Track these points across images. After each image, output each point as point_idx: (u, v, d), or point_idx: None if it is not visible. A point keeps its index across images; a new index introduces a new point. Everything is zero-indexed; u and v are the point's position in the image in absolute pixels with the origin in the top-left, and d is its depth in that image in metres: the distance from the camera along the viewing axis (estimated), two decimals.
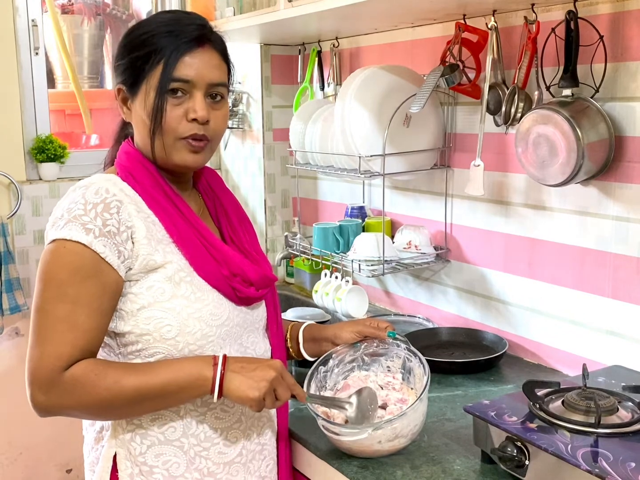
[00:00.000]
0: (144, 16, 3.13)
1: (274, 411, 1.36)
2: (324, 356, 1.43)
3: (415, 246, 2.00)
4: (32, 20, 2.48)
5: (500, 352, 1.74)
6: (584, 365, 1.31)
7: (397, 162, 1.92)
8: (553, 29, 1.57)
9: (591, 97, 1.53)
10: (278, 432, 1.38)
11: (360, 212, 2.28)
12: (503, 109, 1.67)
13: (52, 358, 1.11)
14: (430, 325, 2.04)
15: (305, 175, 2.56)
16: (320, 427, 1.32)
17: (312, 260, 2.32)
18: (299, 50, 2.47)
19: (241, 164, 2.76)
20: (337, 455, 1.33)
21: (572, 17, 1.51)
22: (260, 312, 1.36)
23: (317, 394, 1.38)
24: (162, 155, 1.24)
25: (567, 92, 1.53)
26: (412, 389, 1.40)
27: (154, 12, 2.46)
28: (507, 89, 1.68)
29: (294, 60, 2.57)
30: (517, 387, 1.55)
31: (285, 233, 2.42)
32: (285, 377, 1.20)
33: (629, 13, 1.49)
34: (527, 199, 1.76)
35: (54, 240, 1.15)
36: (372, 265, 1.95)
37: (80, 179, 1.25)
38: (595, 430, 1.15)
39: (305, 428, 1.43)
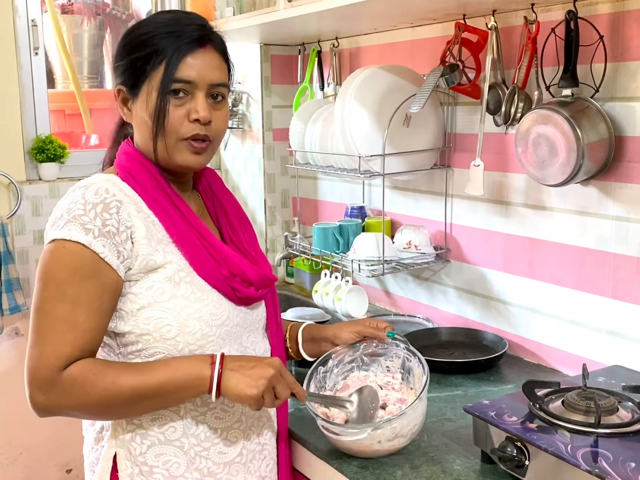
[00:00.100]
0: (143, 16, 3.13)
1: (273, 411, 1.36)
2: (323, 356, 1.43)
3: (415, 246, 2.00)
4: (32, 20, 2.48)
5: (500, 352, 1.74)
6: (584, 365, 1.31)
7: (397, 162, 1.92)
8: (553, 29, 1.57)
9: (591, 97, 1.53)
10: (278, 432, 1.37)
11: (360, 212, 2.28)
12: (503, 109, 1.67)
13: (52, 358, 1.11)
14: (430, 325, 2.04)
15: (305, 175, 2.56)
16: (319, 427, 1.32)
17: (312, 260, 2.32)
18: (299, 50, 2.47)
19: (241, 164, 2.76)
20: (337, 455, 1.33)
21: (572, 17, 1.51)
22: (260, 312, 1.36)
23: (317, 392, 1.38)
24: (165, 157, 1.24)
25: (567, 92, 1.53)
26: (411, 389, 1.40)
27: (153, 12, 2.46)
28: (507, 89, 1.68)
29: (293, 60, 2.57)
30: (517, 387, 1.55)
31: (285, 233, 2.42)
32: (284, 375, 1.20)
33: (629, 13, 1.49)
34: (527, 199, 1.76)
35: (53, 240, 1.15)
36: (372, 265, 1.95)
37: (80, 179, 1.25)
38: (595, 430, 1.14)
39: (305, 428, 1.43)
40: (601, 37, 1.50)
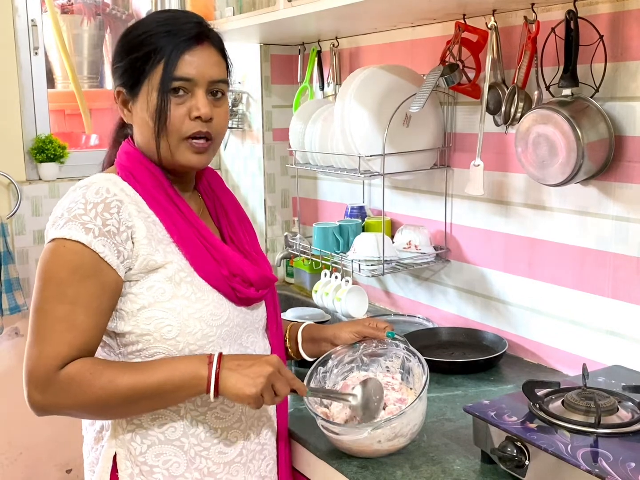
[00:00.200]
0: (143, 16, 3.12)
1: (273, 411, 1.36)
2: (322, 357, 1.43)
3: (415, 246, 2.00)
4: (32, 20, 2.48)
5: (500, 352, 1.74)
6: (584, 365, 1.31)
7: (397, 162, 1.92)
8: (553, 29, 1.57)
9: (591, 97, 1.53)
10: (278, 432, 1.37)
11: (360, 212, 2.28)
12: (503, 108, 1.67)
13: (50, 358, 1.11)
14: (430, 325, 2.04)
15: (305, 175, 2.56)
16: (319, 426, 1.32)
17: (312, 260, 2.32)
18: (299, 50, 2.47)
19: (241, 164, 2.76)
20: (337, 455, 1.33)
21: (572, 17, 1.51)
22: (260, 312, 1.36)
23: (319, 387, 1.38)
24: (167, 156, 1.24)
25: (566, 91, 1.53)
26: (411, 389, 1.40)
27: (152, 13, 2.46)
28: (507, 88, 1.68)
29: (293, 60, 2.57)
30: (517, 387, 1.55)
31: (285, 233, 2.42)
32: (283, 372, 1.19)
33: (629, 13, 1.49)
34: (527, 199, 1.76)
35: (53, 239, 1.15)
36: (372, 265, 1.95)
37: (79, 179, 1.25)
38: (595, 430, 1.14)
39: (305, 428, 1.43)
40: (601, 36, 1.50)
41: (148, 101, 1.21)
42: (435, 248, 2.03)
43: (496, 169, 1.82)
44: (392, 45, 2.14)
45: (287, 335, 1.48)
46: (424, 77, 1.84)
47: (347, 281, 2.08)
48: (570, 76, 1.53)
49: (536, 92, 1.63)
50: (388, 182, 2.13)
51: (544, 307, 1.75)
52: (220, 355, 1.17)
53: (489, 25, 1.69)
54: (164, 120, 1.20)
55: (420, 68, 1.98)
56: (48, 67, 2.71)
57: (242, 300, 1.28)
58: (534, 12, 1.62)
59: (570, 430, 1.15)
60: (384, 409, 1.34)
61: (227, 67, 1.30)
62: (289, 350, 1.47)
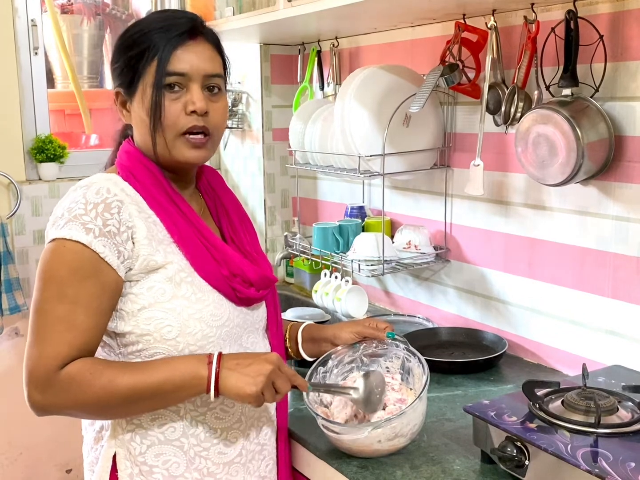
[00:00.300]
0: (143, 16, 3.13)
1: (273, 411, 1.36)
2: (323, 357, 1.43)
3: (415, 246, 2.00)
4: (32, 20, 2.48)
5: (500, 352, 1.74)
6: (584, 365, 1.31)
7: (397, 162, 1.92)
8: (553, 29, 1.57)
9: (591, 97, 1.53)
10: (278, 432, 1.37)
11: (359, 212, 2.28)
12: (503, 108, 1.67)
13: (50, 357, 1.11)
14: (430, 325, 2.04)
15: (305, 175, 2.56)
16: (320, 426, 1.32)
17: (311, 260, 2.32)
18: (299, 50, 2.47)
19: (241, 163, 2.76)
20: (337, 455, 1.33)
21: (571, 17, 1.51)
22: (260, 312, 1.36)
23: (319, 382, 1.38)
24: (164, 153, 1.24)
25: (566, 91, 1.53)
26: (411, 389, 1.40)
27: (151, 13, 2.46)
28: (507, 88, 1.67)
29: (293, 60, 2.57)
30: (517, 387, 1.55)
31: (285, 233, 2.42)
32: (283, 369, 1.19)
33: (629, 12, 1.49)
34: (527, 199, 1.76)
35: (54, 240, 1.15)
36: (371, 265, 1.95)
37: (79, 179, 1.25)
38: (595, 430, 1.14)
39: (305, 428, 1.43)
40: (601, 36, 1.50)
41: (143, 98, 1.22)
42: (435, 248, 2.03)
43: (496, 169, 1.82)
44: (392, 45, 2.14)
45: (287, 335, 1.48)
46: (424, 77, 1.84)
47: (347, 281, 2.08)
48: (570, 76, 1.53)
49: (536, 92, 1.63)
50: (388, 182, 2.13)
51: (544, 307, 1.75)
52: (220, 354, 1.17)
53: (488, 25, 1.69)
54: (159, 116, 1.20)
55: (420, 68, 1.98)
56: (48, 67, 2.71)
57: (242, 300, 1.28)
58: (533, 12, 1.62)
59: (570, 430, 1.15)
60: (384, 409, 1.34)
61: (224, 63, 1.30)
62: (289, 350, 1.47)
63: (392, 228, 2.20)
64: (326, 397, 1.40)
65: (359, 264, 1.96)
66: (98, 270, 1.14)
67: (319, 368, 1.41)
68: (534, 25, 1.61)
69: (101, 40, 3.25)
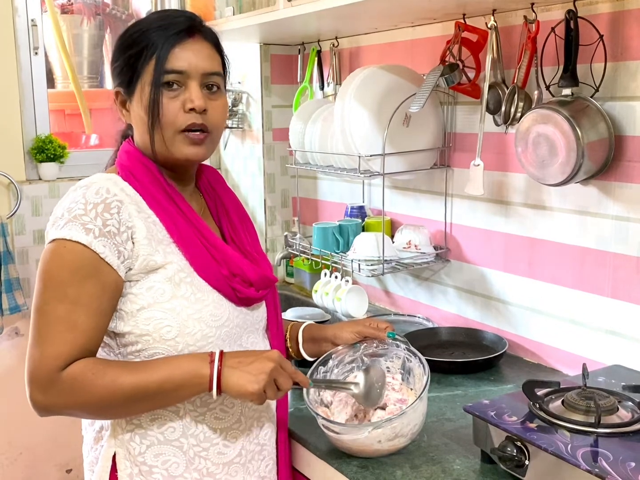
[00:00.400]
0: (143, 16, 3.13)
1: (273, 412, 1.36)
2: (323, 356, 1.43)
3: (415, 246, 2.00)
4: (32, 20, 2.48)
5: (500, 352, 1.74)
6: (584, 364, 1.31)
7: (397, 161, 1.92)
8: (553, 29, 1.57)
9: (591, 97, 1.53)
10: (277, 433, 1.37)
11: (360, 211, 2.28)
12: (503, 108, 1.67)
13: (51, 358, 1.11)
14: (430, 325, 2.04)
15: (305, 175, 2.56)
16: (320, 426, 1.32)
17: (311, 260, 2.32)
18: (299, 50, 2.47)
19: (241, 163, 2.76)
20: (337, 455, 1.33)
21: (571, 17, 1.51)
22: (260, 313, 1.36)
23: (322, 374, 1.39)
24: (163, 150, 1.23)
25: (566, 91, 1.53)
26: (411, 389, 1.40)
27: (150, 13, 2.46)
28: (507, 88, 1.68)
29: (293, 60, 2.57)
30: (517, 386, 1.55)
31: (285, 233, 2.42)
32: (284, 366, 1.19)
33: (629, 12, 1.49)
34: (527, 199, 1.76)
35: (54, 240, 1.15)
36: (371, 265, 1.95)
37: (79, 179, 1.24)
38: (595, 430, 1.14)
39: (305, 428, 1.43)
40: (601, 36, 1.50)
41: (142, 97, 1.22)
42: (435, 248, 2.03)
43: (496, 168, 1.82)
44: (392, 45, 2.14)
45: (287, 335, 1.47)
46: (424, 77, 1.84)
47: (347, 281, 2.08)
48: (570, 76, 1.53)
49: (536, 92, 1.63)
50: (388, 182, 2.13)
51: (544, 307, 1.75)
52: (222, 353, 1.17)
53: (488, 25, 1.69)
54: (157, 114, 1.20)
55: (420, 68, 1.98)
56: (48, 67, 2.71)
57: (242, 300, 1.28)
58: (533, 11, 1.62)
59: (570, 430, 1.15)
60: (384, 408, 1.34)
61: (223, 62, 1.30)
62: (290, 350, 1.47)
63: (392, 228, 2.20)
64: (326, 397, 1.40)
65: (359, 264, 1.96)
66: (98, 271, 1.14)
67: (320, 368, 1.41)
68: (534, 25, 1.61)
69: (101, 40, 3.25)
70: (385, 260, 1.94)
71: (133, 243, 1.17)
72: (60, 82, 3.11)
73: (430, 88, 1.75)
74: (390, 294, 2.27)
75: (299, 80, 2.46)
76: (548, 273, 1.73)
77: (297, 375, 1.22)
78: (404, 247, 2.01)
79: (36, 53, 2.50)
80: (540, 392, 1.28)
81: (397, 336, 1.43)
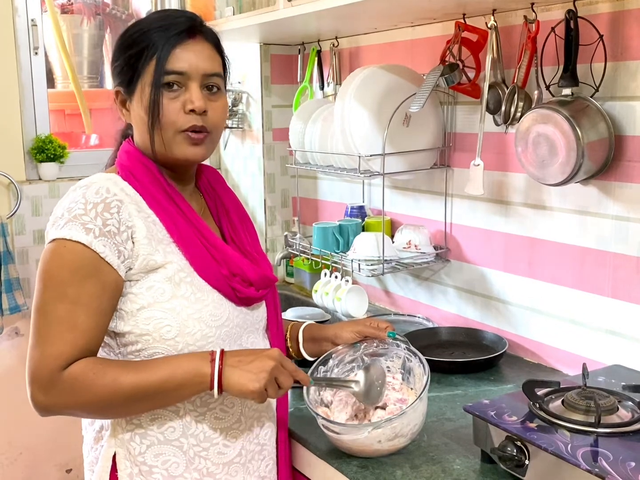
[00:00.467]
0: (143, 16, 3.13)
1: (273, 412, 1.36)
2: (323, 356, 1.43)
3: (415, 246, 2.00)
4: (32, 20, 2.48)
5: (500, 352, 1.74)
6: (584, 364, 1.31)
7: (397, 161, 1.92)
8: (553, 28, 1.57)
9: (591, 97, 1.53)
10: (278, 432, 1.37)
11: (360, 211, 2.28)
12: (503, 108, 1.67)
13: (52, 358, 1.11)
14: (430, 325, 2.04)
15: (305, 175, 2.56)
16: (320, 426, 1.32)
17: (311, 259, 2.32)
18: (299, 49, 2.47)
19: (241, 163, 2.76)
20: (337, 455, 1.33)
21: (571, 17, 1.51)
22: (260, 312, 1.36)
23: (322, 374, 1.39)
24: (162, 150, 1.23)
25: (566, 91, 1.53)
26: (411, 389, 1.40)
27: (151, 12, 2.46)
28: (507, 88, 1.68)
29: (293, 60, 2.57)
30: (517, 386, 1.55)
31: (285, 233, 2.42)
32: (285, 365, 1.19)
33: (629, 12, 1.49)
34: (527, 199, 1.76)
35: (54, 240, 1.15)
36: (371, 264, 1.95)
37: (79, 179, 1.24)
38: (595, 429, 1.14)
39: (305, 428, 1.43)
40: (601, 36, 1.50)
41: (142, 97, 1.22)
42: (435, 248, 2.03)
43: (496, 168, 1.82)
44: (392, 45, 2.14)
45: (287, 335, 1.47)
46: (424, 77, 1.84)
47: (347, 281, 2.08)
48: (570, 76, 1.53)
49: (536, 92, 1.63)
50: (388, 182, 2.13)
51: (544, 307, 1.75)
52: (222, 352, 1.17)
53: (488, 25, 1.69)
54: (157, 114, 1.20)
55: (420, 68, 1.98)
56: (48, 67, 2.71)
57: (242, 300, 1.28)
58: (533, 11, 1.62)
59: (570, 430, 1.15)
60: (384, 409, 1.34)
61: (224, 63, 1.30)
62: (290, 350, 1.47)
63: (392, 228, 2.20)
64: (327, 397, 1.40)
65: (359, 264, 1.96)
66: (98, 270, 1.14)
67: (320, 367, 1.41)
68: (534, 25, 1.61)
69: (101, 40, 3.25)
70: (385, 260, 1.94)
71: (133, 243, 1.17)
72: (60, 82, 3.11)
73: (430, 88, 1.75)
74: (390, 293, 2.27)
75: (299, 80, 2.46)
76: (548, 273, 1.73)
77: (298, 374, 1.22)
78: (404, 247, 2.01)
79: (36, 53, 2.50)
80: (540, 392, 1.28)
81: (397, 336, 1.43)
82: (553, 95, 1.60)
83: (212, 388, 1.15)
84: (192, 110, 1.21)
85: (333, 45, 2.30)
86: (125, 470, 1.21)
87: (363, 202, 2.33)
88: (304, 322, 1.50)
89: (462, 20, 1.79)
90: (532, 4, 1.61)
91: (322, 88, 2.39)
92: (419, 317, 2.11)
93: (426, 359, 1.37)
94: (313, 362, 1.43)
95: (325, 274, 2.16)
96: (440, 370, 1.69)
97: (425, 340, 1.84)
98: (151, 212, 1.22)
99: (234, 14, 2.21)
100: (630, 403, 1.24)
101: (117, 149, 1.34)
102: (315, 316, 2.10)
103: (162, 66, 1.20)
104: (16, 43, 2.44)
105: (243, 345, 1.29)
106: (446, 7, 1.72)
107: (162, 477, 1.21)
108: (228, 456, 1.26)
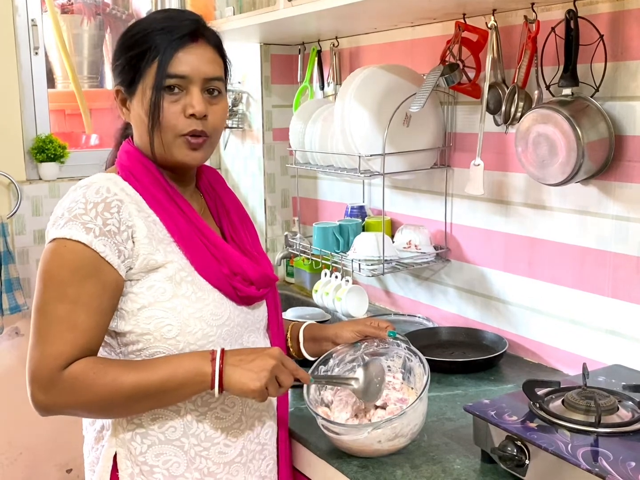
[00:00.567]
0: (143, 16, 3.13)
1: (274, 411, 1.36)
2: (324, 355, 1.43)
3: (415, 246, 2.00)
4: (32, 20, 2.48)
5: (500, 352, 1.74)
6: (584, 364, 1.31)
7: (397, 161, 1.92)
8: (553, 28, 1.57)
9: (591, 97, 1.53)
10: (278, 432, 1.37)
11: (360, 211, 2.28)
12: (503, 108, 1.67)
13: (52, 358, 1.11)
14: (430, 325, 2.04)
15: (305, 175, 2.56)
16: (320, 426, 1.32)
17: (312, 259, 2.32)
18: (299, 49, 2.47)
19: (241, 163, 2.76)
20: (337, 455, 1.33)
21: (572, 17, 1.51)
22: (261, 312, 1.36)
23: (322, 374, 1.39)
24: (162, 153, 1.24)
25: (567, 91, 1.53)
26: (412, 388, 1.40)
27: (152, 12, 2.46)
28: (507, 88, 1.68)
29: (293, 60, 2.57)
30: (517, 386, 1.55)
31: (285, 233, 2.42)
32: (285, 363, 1.20)
33: (629, 12, 1.49)
34: (527, 199, 1.76)
35: (54, 239, 1.15)
36: (372, 264, 1.95)
37: (80, 179, 1.25)
38: (596, 429, 1.14)
39: (305, 428, 1.43)
40: (601, 36, 1.50)
41: (143, 98, 1.22)
42: (436, 248, 2.03)
43: (496, 168, 1.82)
44: (392, 45, 2.14)
45: (288, 335, 1.47)
46: (424, 77, 1.84)
47: (347, 281, 2.08)
48: (570, 76, 1.53)
49: (536, 92, 1.63)
50: (388, 182, 2.13)
51: (544, 307, 1.75)
52: (223, 351, 1.17)
53: (489, 25, 1.69)
54: (157, 117, 1.20)
55: (420, 68, 1.98)
56: (48, 67, 2.71)
57: (242, 299, 1.28)
58: (534, 11, 1.62)
59: (571, 430, 1.16)
60: (384, 408, 1.34)
61: (225, 65, 1.30)
62: (291, 349, 1.47)
63: (392, 228, 2.20)
64: (327, 396, 1.40)
65: (359, 264, 1.96)
66: (99, 270, 1.14)
67: (320, 367, 1.41)
68: (534, 24, 1.61)
69: (101, 40, 3.25)
70: (386, 260, 1.94)
71: (133, 242, 1.17)
72: (61, 82, 3.12)
73: (430, 88, 1.75)
74: (391, 293, 2.27)
75: (299, 80, 2.46)
76: (548, 273, 1.73)
77: (298, 372, 1.22)
78: (404, 247, 2.01)
79: (36, 53, 2.50)
80: (540, 391, 1.28)
81: (397, 335, 1.43)
82: (553, 95, 1.60)
83: (213, 387, 1.15)
84: (193, 115, 1.21)
85: (333, 45, 2.30)
86: (126, 470, 1.21)
87: (363, 202, 2.33)
88: (304, 322, 1.50)
89: (462, 20, 1.79)
90: (532, 4, 1.61)
91: (322, 88, 2.39)
92: (419, 317, 2.11)
93: (426, 359, 1.37)
94: (314, 361, 1.43)
95: (326, 274, 2.16)
96: (440, 370, 1.69)
97: (425, 340, 1.84)
98: (151, 211, 1.23)
99: (234, 14, 2.21)
100: (630, 403, 1.24)
101: (116, 148, 1.34)
102: (316, 316, 2.10)
103: (164, 69, 1.20)
104: (16, 43, 2.44)
105: (244, 345, 1.29)
106: (446, 7, 1.72)
107: (163, 477, 1.21)
108: (229, 456, 1.26)
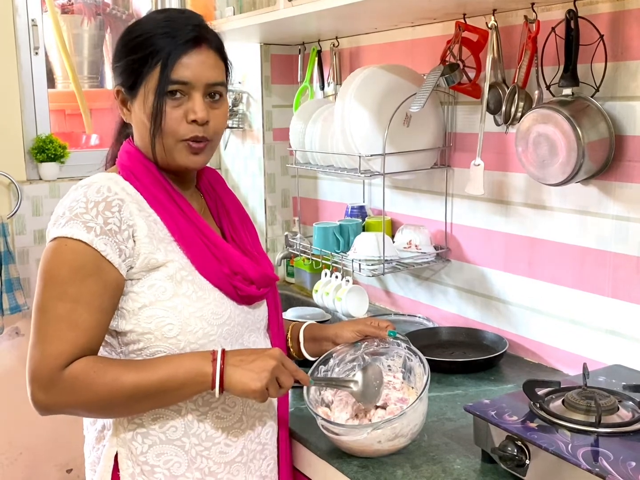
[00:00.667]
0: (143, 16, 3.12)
1: (274, 411, 1.36)
2: (324, 355, 1.43)
3: (416, 246, 2.00)
4: (32, 20, 2.48)
5: (501, 352, 1.74)
6: (585, 364, 1.31)
7: (397, 161, 1.92)
8: (553, 28, 1.57)
9: (591, 97, 1.53)
10: (279, 432, 1.37)
11: (360, 211, 2.28)
12: (503, 108, 1.67)
13: (52, 357, 1.11)
14: (430, 325, 2.04)
15: (306, 175, 2.56)
16: (320, 426, 1.32)
17: (312, 259, 2.32)
18: (299, 49, 2.47)
19: (241, 163, 2.76)
20: (338, 455, 1.33)
21: (572, 17, 1.51)
22: (261, 311, 1.36)
23: (322, 373, 1.40)
24: (163, 156, 1.24)
25: (567, 91, 1.53)
26: (412, 388, 1.40)
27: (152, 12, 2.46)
28: (507, 88, 1.68)
29: (294, 60, 2.57)
30: (518, 386, 1.55)
31: (286, 233, 2.43)
32: (286, 364, 1.20)
33: (629, 12, 1.49)
34: (527, 199, 1.76)
35: (55, 238, 1.15)
36: (372, 264, 1.95)
37: (80, 179, 1.25)
38: (596, 429, 1.15)
39: (306, 428, 1.43)
40: (601, 36, 1.50)
41: (145, 103, 1.22)
42: (436, 248, 2.03)
43: (496, 168, 1.82)
44: (392, 45, 2.14)
45: (288, 335, 1.48)
46: (424, 77, 1.84)
47: (348, 281, 2.08)
48: (570, 76, 1.53)
49: (536, 92, 1.63)
50: (388, 182, 2.13)
51: (544, 307, 1.75)
52: (224, 351, 1.17)
53: (489, 25, 1.69)
54: (159, 122, 1.20)
55: (421, 68, 1.98)
56: (48, 67, 2.71)
57: (243, 298, 1.28)
58: (534, 11, 1.62)
59: (571, 430, 1.16)
60: (384, 408, 1.34)
61: (227, 69, 1.30)
62: (291, 349, 1.47)
63: (392, 228, 2.20)
64: (327, 396, 1.40)
65: (359, 264, 1.96)
66: (99, 269, 1.14)
67: (321, 367, 1.41)
68: (534, 24, 1.61)
69: (101, 40, 3.25)
70: (386, 260, 1.94)
71: (134, 241, 1.18)
72: (61, 82, 3.12)
73: (430, 88, 1.75)
74: (391, 293, 2.27)
75: (299, 80, 2.46)
76: (548, 273, 1.73)
77: (299, 373, 1.23)
78: (405, 247, 2.01)
79: (36, 53, 2.50)
80: (540, 391, 1.28)
81: (397, 335, 1.43)
82: (553, 95, 1.60)
83: (213, 387, 1.15)
84: (194, 121, 1.21)
85: (333, 45, 2.30)
86: (127, 470, 1.21)
87: (363, 202, 2.33)
88: (304, 322, 1.50)
89: (462, 20, 1.79)
90: (533, 4, 1.61)
91: (322, 88, 2.39)
92: (419, 317, 2.11)
93: (426, 359, 1.37)
94: (314, 361, 1.43)
95: (326, 274, 2.16)
96: (440, 370, 1.69)
97: (425, 340, 1.84)
98: (152, 211, 1.23)
99: (234, 14, 2.21)
100: (630, 403, 1.24)
101: (114, 145, 1.34)
102: (316, 316, 2.10)
103: (166, 75, 1.20)
104: (16, 43, 2.44)
105: (244, 344, 1.30)
106: (446, 7, 1.72)
107: (164, 477, 1.21)
108: (230, 455, 1.26)
